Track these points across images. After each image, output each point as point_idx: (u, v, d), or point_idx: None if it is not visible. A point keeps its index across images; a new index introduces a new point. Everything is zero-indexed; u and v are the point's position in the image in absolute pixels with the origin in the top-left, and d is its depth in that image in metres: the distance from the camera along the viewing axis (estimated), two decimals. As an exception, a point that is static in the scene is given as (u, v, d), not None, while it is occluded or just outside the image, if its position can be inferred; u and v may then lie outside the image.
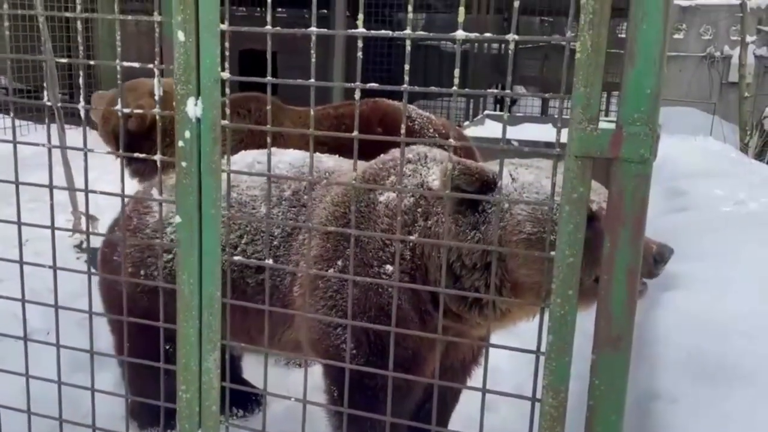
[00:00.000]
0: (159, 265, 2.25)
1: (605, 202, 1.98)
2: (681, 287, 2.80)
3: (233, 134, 3.71)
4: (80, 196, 4.99)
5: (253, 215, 2.51)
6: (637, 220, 1.43)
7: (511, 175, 2.06)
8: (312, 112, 1.70)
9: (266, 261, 1.81)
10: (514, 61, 1.49)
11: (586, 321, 1.63)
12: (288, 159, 2.66)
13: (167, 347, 2.34)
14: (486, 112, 9.94)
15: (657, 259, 1.94)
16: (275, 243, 2.47)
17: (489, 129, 8.26)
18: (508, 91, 1.53)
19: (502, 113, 9.65)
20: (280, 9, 12.39)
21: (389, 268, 2.20)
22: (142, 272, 2.63)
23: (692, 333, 2.55)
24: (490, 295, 1.68)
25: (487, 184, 1.99)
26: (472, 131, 6.97)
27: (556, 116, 8.82)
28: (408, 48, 1.53)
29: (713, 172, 5.40)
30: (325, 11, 9.92)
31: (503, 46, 13.00)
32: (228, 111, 1.71)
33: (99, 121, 4.17)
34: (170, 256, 2.53)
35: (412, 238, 2.01)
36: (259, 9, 12.74)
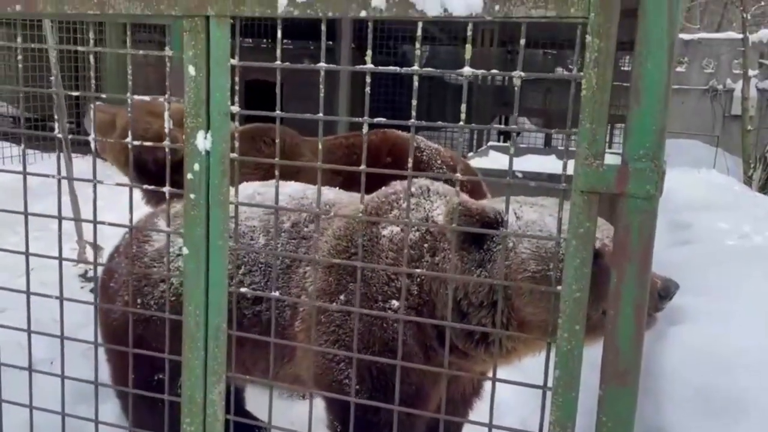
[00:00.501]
0: (166, 296, 2.25)
1: (608, 239, 1.99)
2: (687, 321, 2.79)
3: (256, 166, 3.72)
4: (85, 225, 5.02)
5: (252, 246, 2.48)
6: (644, 256, 1.44)
7: (515, 213, 2.07)
8: (320, 146, 1.72)
9: (271, 293, 1.82)
10: (515, 85, 1.50)
11: (593, 352, 1.62)
12: (288, 191, 2.64)
13: (160, 376, 2.33)
14: (490, 143, 9.99)
15: (662, 294, 1.94)
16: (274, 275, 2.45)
17: (493, 160, 8.30)
18: (514, 126, 1.55)
19: (506, 144, 9.72)
20: (286, 40, 12.56)
21: (395, 303, 2.18)
22: (138, 301, 2.60)
23: (698, 367, 2.53)
24: (497, 331, 1.67)
25: (489, 225, 2.00)
26: (476, 162, 7.00)
27: (560, 148, 8.87)
28: (415, 84, 1.56)
29: (717, 205, 5.41)
30: (331, 43, 10.07)
31: (507, 78, 13.15)
32: (237, 143, 1.73)
33: (107, 146, 4.13)
34: (165, 286, 2.51)
35: (418, 271, 2.01)
36: (265, 40, 12.92)
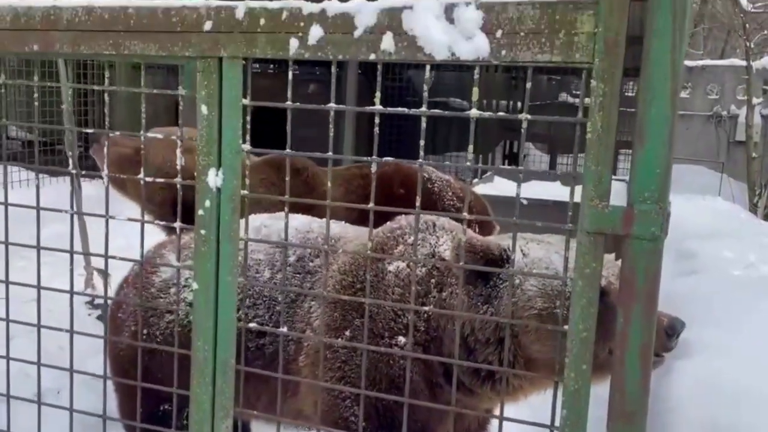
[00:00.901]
0: (173, 327, 2.26)
1: (614, 276, 2.01)
2: (692, 354, 2.79)
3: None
4: (93, 250, 5.04)
5: (257, 279, 2.47)
6: (650, 296, 1.45)
7: (522, 250, 2.08)
8: (329, 184, 1.75)
9: (280, 329, 1.83)
10: (522, 126, 1.53)
11: (601, 388, 1.63)
12: (294, 224, 2.62)
13: (166, 407, 2.33)
14: (495, 167, 10.02)
15: (669, 332, 1.95)
16: (278, 308, 2.43)
17: (498, 186, 8.33)
18: (521, 167, 1.57)
19: (507, 171, 9.69)
20: (293, 67, 12.66)
21: (401, 339, 2.18)
22: (144, 331, 2.58)
23: (704, 402, 2.53)
24: (504, 369, 1.68)
25: (494, 261, 2.01)
26: (481, 189, 7.04)
27: (565, 173, 8.91)
28: (423, 125, 1.58)
29: (722, 234, 5.41)
30: (338, 69, 10.15)
31: (511, 103, 13.23)
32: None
33: (130, 183, 4.06)
34: (171, 317, 2.51)
35: (427, 308, 2.02)
36: (272, 66, 13.03)
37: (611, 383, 1.51)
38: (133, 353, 2.46)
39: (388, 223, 2.49)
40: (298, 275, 2.46)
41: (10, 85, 1.89)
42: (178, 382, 2.13)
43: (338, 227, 2.65)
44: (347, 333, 2.25)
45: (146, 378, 2.10)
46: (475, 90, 1.54)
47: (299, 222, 2.66)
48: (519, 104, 13.10)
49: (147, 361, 2.46)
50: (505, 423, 1.70)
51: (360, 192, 4.14)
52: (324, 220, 2.65)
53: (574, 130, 1.47)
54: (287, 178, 1.80)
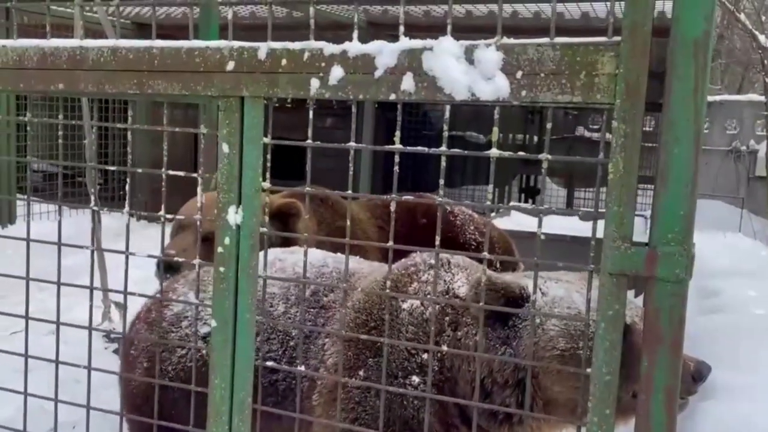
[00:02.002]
0: (185, 362, 2.24)
1: (638, 317, 1.97)
2: (717, 397, 2.72)
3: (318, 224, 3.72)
4: (111, 281, 5.07)
5: (270, 313, 2.44)
6: (675, 339, 1.42)
7: (540, 289, 2.06)
8: (349, 222, 1.75)
9: (298, 368, 1.82)
10: (543, 166, 1.53)
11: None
12: (308, 259, 2.60)
13: None
14: (512, 203, 10.00)
15: (695, 377, 1.91)
16: (291, 344, 2.38)
17: (515, 220, 8.31)
18: (541, 207, 1.56)
19: (527, 205, 9.69)
20: (310, 100, 12.80)
21: (415, 379, 2.14)
22: (157, 368, 2.49)
23: (731, 446, 2.46)
24: (525, 413, 1.64)
25: (514, 300, 1.99)
26: (497, 222, 7.02)
27: (582, 209, 8.87)
28: (443, 164, 1.58)
29: (745, 272, 5.33)
30: (354, 110, 10.24)
31: (527, 137, 13.25)
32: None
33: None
34: (183, 352, 2.49)
35: (444, 348, 1.99)
36: (289, 101, 13.16)
37: (636, 427, 1.48)
38: (146, 389, 2.44)
39: (404, 259, 2.47)
40: (312, 310, 2.43)
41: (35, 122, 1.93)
42: (194, 418, 2.12)
43: (353, 262, 2.62)
44: (361, 373, 2.20)
45: (160, 415, 2.08)
46: (495, 130, 1.55)
47: (313, 256, 2.60)
48: (535, 138, 13.12)
49: (159, 397, 2.45)
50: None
51: (386, 219, 4.12)
52: (340, 256, 2.65)
53: (592, 163, 1.46)
54: (305, 217, 1.81)
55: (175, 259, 2.00)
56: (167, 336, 2.54)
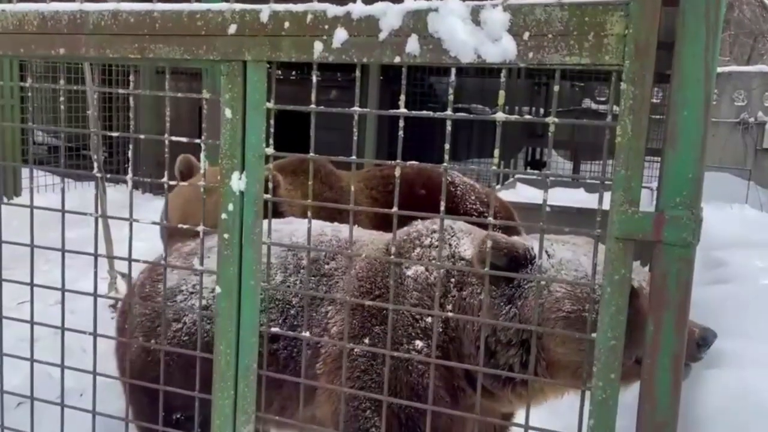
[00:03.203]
0: (199, 335, 2.25)
1: (644, 281, 1.96)
2: (724, 365, 2.73)
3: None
4: (116, 252, 5.09)
5: (269, 283, 2.42)
6: (681, 304, 1.41)
7: (546, 250, 2.04)
8: (353, 187, 1.73)
9: (303, 333, 1.82)
10: (545, 127, 1.51)
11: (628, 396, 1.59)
12: (304, 228, 2.56)
13: (178, 416, 2.31)
14: (517, 175, 9.96)
15: (700, 343, 1.90)
16: (292, 312, 2.37)
17: (520, 193, 8.28)
18: (548, 171, 1.54)
19: (533, 176, 9.61)
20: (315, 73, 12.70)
21: (419, 343, 2.14)
22: (152, 341, 2.50)
23: (735, 414, 2.47)
24: (530, 377, 1.64)
25: (518, 260, 1.98)
26: (503, 195, 6.99)
27: (587, 180, 8.83)
28: (448, 128, 1.56)
29: (752, 242, 5.31)
30: (358, 73, 10.17)
31: (533, 109, 13.15)
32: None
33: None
34: (179, 326, 2.47)
35: (449, 314, 1.99)
36: (294, 72, 13.09)
37: (640, 393, 1.47)
38: (142, 365, 2.44)
39: (405, 227, 2.44)
40: (313, 278, 2.41)
41: (37, 89, 1.91)
42: (184, 397, 2.12)
43: (354, 231, 2.59)
44: (366, 341, 2.20)
45: (157, 390, 2.09)
46: (501, 93, 1.52)
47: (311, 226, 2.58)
48: (542, 110, 13.02)
49: (156, 373, 2.44)
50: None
51: (381, 189, 4.10)
52: (338, 225, 2.63)
53: (597, 136, 1.45)
54: (309, 183, 1.80)
55: (179, 226, 1.99)
56: (161, 310, 2.48)
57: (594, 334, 1.47)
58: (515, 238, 2.17)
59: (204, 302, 2.37)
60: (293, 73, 13.13)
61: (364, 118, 9.12)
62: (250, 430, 1.82)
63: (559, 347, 1.98)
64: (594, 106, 14.43)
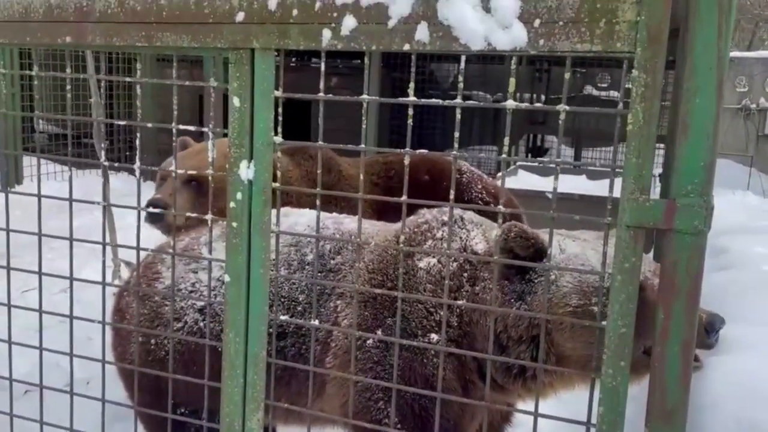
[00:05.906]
0: (208, 326, 2.25)
1: (650, 272, 1.96)
2: (728, 351, 2.73)
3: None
4: (120, 240, 5.09)
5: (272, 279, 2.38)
6: (692, 292, 1.41)
7: (559, 246, 2.05)
8: (362, 178, 1.73)
9: (312, 322, 1.82)
10: (546, 114, 1.50)
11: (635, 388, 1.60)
12: (304, 220, 2.49)
13: (181, 410, 2.31)
14: (519, 162, 9.93)
15: (708, 329, 1.90)
16: (299, 309, 2.33)
17: (522, 180, 8.25)
18: (557, 159, 1.54)
19: (534, 163, 9.58)
20: (315, 59, 12.66)
21: (434, 336, 2.12)
22: (152, 341, 2.45)
23: (740, 400, 2.47)
24: (539, 365, 1.64)
25: (539, 252, 1.98)
26: (505, 181, 6.96)
27: (589, 168, 8.80)
28: (458, 117, 1.56)
29: (753, 229, 5.31)
30: (359, 61, 10.15)
31: (534, 95, 13.10)
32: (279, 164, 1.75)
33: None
34: (179, 325, 2.42)
35: (460, 302, 1.99)
36: (294, 59, 13.03)
37: (650, 381, 1.48)
38: (141, 365, 2.42)
39: (412, 217, 2.40)
40: (318, 274, 2.34)
41: (41, 78, 1.90)
42: (187, 392, 2.13)
43: (354, 223, 2.47)
44: (379, 332, 2.18)
45: (158, 388, 2.08)
46: (512, 81, 1.51)
47: (309, 218, 2.50)
48: (542, 96, 12.97)
49: (158, 371, 2.42)
50: (539, 420, 1.67)
51: (382, 175, 4.07)
52: (340, 216, 2.59)
53: (599, 123, 1.44)
54: (318, 172, 1.80)
55: (187, 215, 1.99)
56: (160, 310, 2.46)
57: (604, 323, 1.47)
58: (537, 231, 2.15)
59: (202, 303, 2.38)
60: (293, 59, 13.08)
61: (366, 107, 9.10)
62: (259, 417, 1.82)
63: (568, 342, 1.98)
64: (595, 92, 14.38)
